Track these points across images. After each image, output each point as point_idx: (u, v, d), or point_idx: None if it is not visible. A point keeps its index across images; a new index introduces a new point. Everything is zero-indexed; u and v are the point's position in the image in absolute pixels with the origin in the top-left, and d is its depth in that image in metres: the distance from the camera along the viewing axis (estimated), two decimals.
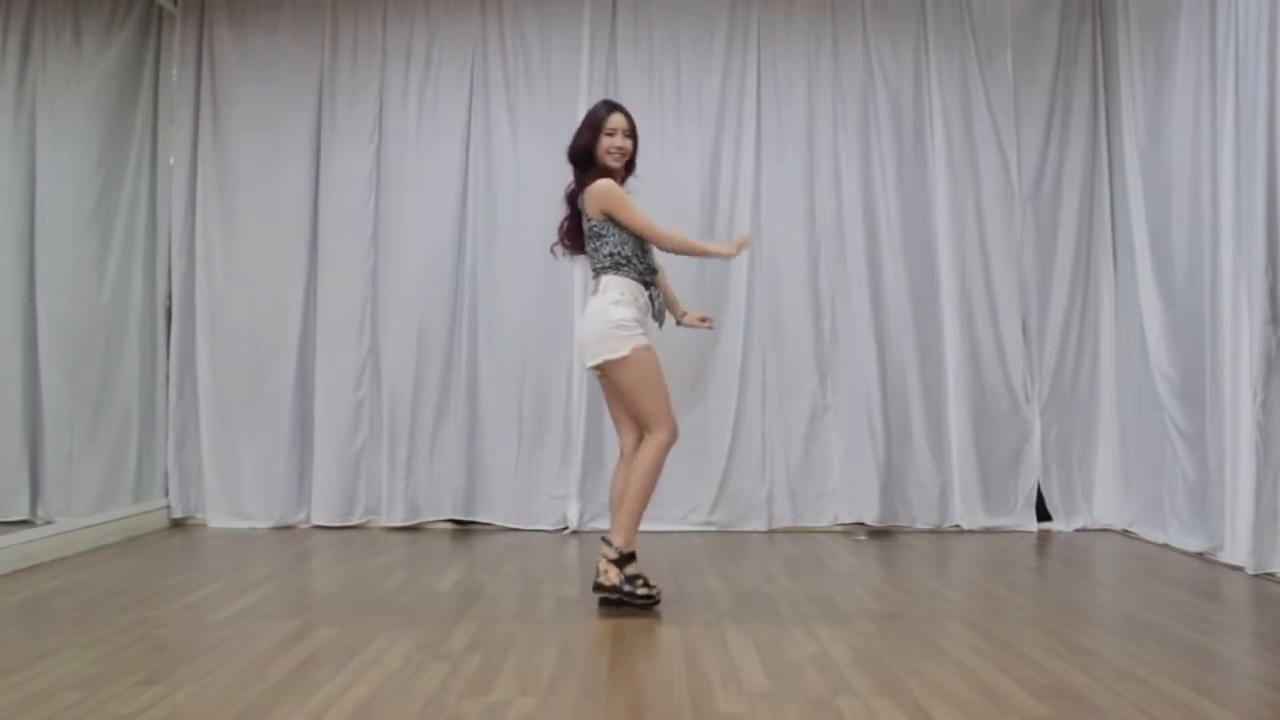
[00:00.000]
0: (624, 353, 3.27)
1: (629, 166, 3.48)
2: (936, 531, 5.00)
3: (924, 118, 5.18)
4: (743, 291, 5.07)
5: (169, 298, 5.17)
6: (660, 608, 3.35)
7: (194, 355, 5.14)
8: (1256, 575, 3.85)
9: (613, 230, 3.34)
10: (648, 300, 3.37)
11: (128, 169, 4.93)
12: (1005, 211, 5.15)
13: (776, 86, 5.19)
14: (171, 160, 5.19)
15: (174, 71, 5.20)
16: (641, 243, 3.38)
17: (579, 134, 3.42)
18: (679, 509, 4.96)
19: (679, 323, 3.64)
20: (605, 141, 3.37)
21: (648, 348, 3.32)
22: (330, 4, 5.22)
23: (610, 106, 3.43)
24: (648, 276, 3.40)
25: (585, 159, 3.41)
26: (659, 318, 3.42)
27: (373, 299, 5.14)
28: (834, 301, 5.10)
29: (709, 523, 4.96)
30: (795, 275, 5.10)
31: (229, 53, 5.21)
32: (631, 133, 3.42)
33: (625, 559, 3.30)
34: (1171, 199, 4.55)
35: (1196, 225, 4.35)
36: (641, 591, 3.29)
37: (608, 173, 3.39)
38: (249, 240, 5.16)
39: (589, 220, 3.38)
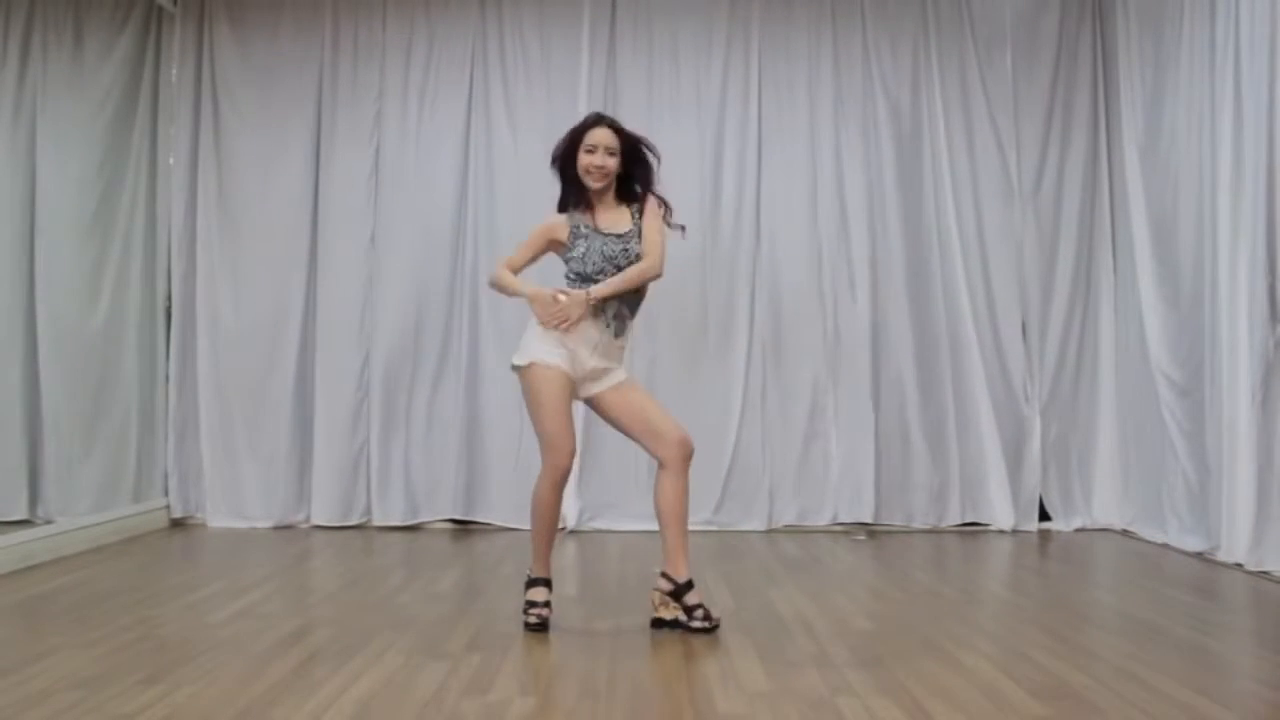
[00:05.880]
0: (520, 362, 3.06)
1: (642, 186, 3.15)
2: (935, 531, 5.00)
3: (924, 117, 5.17)
4: (744, 292, 5.07)
5: (169, 298, 5.17)
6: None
7: (194, 355, 5.13)
8: (1253, 573, 3.85)
9: None
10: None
11: (128, 169, 4.92)
12: (1005, 211, 5.14)
13: (776, 87, 5.18)
14: (171, 160, 5.18)
15: (174, 72, 5.19)
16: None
17: (561, 142, 3.15)
18: None
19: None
20: (583, 159, 3.07)
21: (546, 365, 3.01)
22: (330, 4, 5.21)
23: (598, 119, 3.13)
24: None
25: (564, 171, 3.14)
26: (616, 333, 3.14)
27: (372, 299, 5.13)
28: (835, 301, 5.10)
29: (709, 522, 4.95)
30: (795, 275, 5.10)
31: (229, 53, 5.20)
32: (621, 151, 3.08)
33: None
34: (1171, 198, 4.55)
35: (1197, 224, 4.35)
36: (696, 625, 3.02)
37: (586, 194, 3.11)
38: (249, 240, 5.16)
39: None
